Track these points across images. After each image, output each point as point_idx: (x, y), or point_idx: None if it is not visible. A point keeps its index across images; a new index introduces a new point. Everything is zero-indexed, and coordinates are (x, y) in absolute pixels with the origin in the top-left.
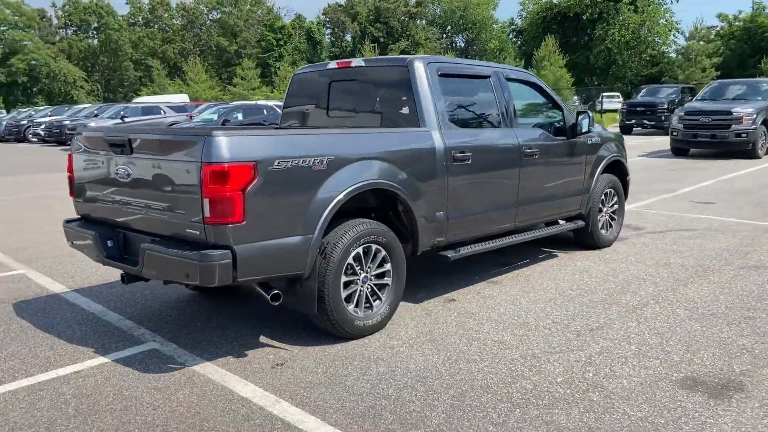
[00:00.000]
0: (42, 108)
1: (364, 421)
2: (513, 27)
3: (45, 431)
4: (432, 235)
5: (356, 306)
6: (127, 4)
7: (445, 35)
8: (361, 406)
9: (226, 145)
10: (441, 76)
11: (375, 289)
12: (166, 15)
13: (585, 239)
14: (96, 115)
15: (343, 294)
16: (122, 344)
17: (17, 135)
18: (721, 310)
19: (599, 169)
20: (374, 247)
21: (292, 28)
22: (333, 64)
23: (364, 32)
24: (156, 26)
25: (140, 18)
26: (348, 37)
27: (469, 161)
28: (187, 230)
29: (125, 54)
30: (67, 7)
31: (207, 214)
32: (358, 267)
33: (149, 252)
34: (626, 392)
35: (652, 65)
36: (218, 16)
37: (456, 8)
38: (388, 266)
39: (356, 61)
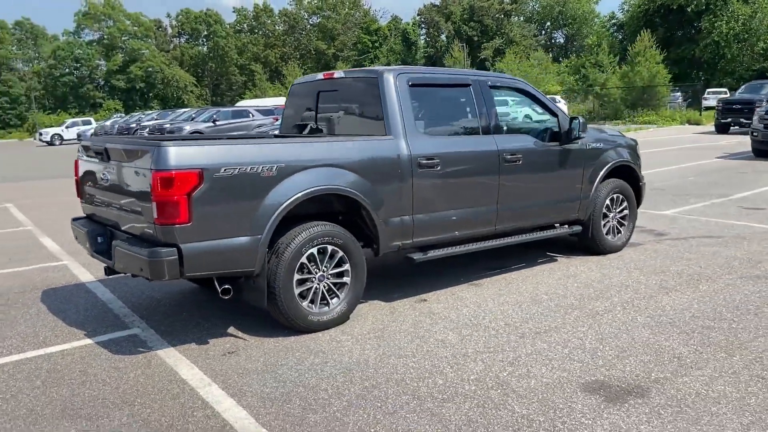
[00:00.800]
0: (149, 112)
1: (272, 404)
2: (614, 21)
3: (10, 397)
4: (396, 237)
5: (311, 302)
6: (233, 12)
7: (543, 31)
8: (279, 392)
9: (173, 154)
10: (413, 86)
11: (333, 287)
12: (269, 21)
13: (588, 244)
14: (192, 119)
15: (297, 291)
16: (111, 329)
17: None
18: (683, 319)
19: (601, 174)
20: (330, 247)
21: (388, 30)
22: (320, 76)
23: (458, 31)
24: (259, 32)
25: (245, 25)
26: (443, 37)
27: (438, 168)
28: (146, 230)
29: (231, 60)
30: (180, 16)
31: (155, 215)
32: (314, 266)
33: (118, 248)
34: (526, 391)
35: (765, 59)
36: (318, 21)
37: (555, 3)
38: (346, 266)
39: (338, 73)
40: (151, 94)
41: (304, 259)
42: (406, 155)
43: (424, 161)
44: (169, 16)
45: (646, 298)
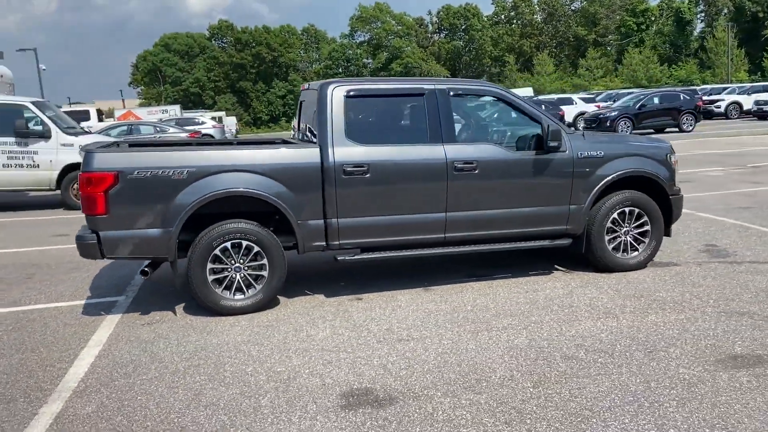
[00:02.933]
0: None
1: (112, 367)
2: None
3: None
4: (318, 238)
5: (226, 289)
6: (492, 3)
7: None
8: (130, 358)
9: (94, 158)
10: (353, 97)
11: (250, 278)
12: (527, 10)
13: (590, 260)
14: None
15: (210, 278)
16: (110, 294)
17: None
18: (560, 347)
19: (600, 185)
20: (245, 243)
21: (659, 10)
22: (301, 86)
23: (739, 8)
24: (517, 22)
25: (503, 16)
26: (724, 13)
27: (368, 175)
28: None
29: (485, 51)
30: (440, 13)
31: (82, 207)
32: (229, 258)
33: None
34: (296, 388)
35: None
36: (580, 6)
37: None
38: (264, 260)
39: (305, 85)
40: None
41: (217, 251)
42: (329, 162)
43: (350, 168)
44: (430, 13)
45: (564, 322)
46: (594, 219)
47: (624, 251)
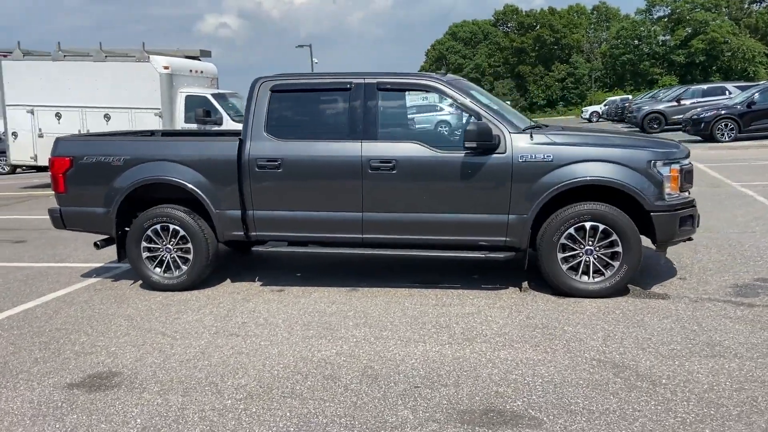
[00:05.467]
0: (654, 90)
1: (20, 318)
2: None
3: None
4: (235, 228)
5: (157, 267)
6: None
7: None
8: (39, 314)
9: (58, 145)
10: (277, 92)
11: (180, 260)
12: None
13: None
14: (679, 99)
15: (144, 255)
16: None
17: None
18: (342, 362)
19: (545, 194)
20: (172, 226)
21: None
22: None
23: None
24: None
25: None
26: None
27: (280, 170)
28: None
29: None
30: None
31: (51, 186)
32: (160, 239)
33: None
34: (62, 362)
35: None
36: None
37: None
38: (189, 244)
39: None
40: (713, 68)
41: (149, 233)
42: (245, 156)
43: (263, 162)
44: None
45: (405, 342)
46: (544, 233)
47: (585, 274)
